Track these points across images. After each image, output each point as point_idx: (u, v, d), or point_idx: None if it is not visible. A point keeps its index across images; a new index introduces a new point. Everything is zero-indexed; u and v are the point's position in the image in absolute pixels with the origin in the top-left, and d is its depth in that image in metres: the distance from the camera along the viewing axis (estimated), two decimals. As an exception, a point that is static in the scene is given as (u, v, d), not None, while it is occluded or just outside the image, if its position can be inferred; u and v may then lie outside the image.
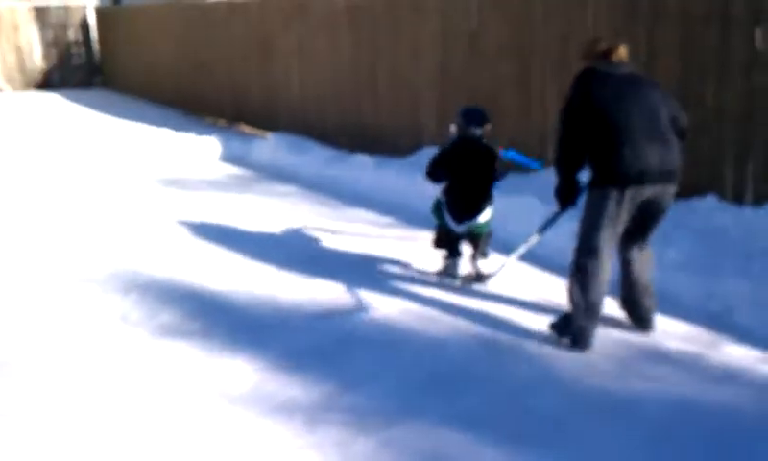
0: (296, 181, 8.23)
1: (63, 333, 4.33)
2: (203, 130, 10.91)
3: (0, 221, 6.70)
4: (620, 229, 3.91)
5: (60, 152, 9.09)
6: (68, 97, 15.32)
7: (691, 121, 4.13)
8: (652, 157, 3.75)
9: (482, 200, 4.99)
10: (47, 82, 17.04)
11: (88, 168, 8.88)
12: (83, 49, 17.54)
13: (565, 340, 4.09)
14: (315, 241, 6.10)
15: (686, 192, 5.20)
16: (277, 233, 6.33)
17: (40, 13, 17.19)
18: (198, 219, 6.72)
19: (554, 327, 4.19)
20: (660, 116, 3.84)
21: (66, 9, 17.69)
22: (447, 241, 5.11)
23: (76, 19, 17.48)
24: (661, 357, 3.95)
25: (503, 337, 4.22)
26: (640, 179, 3.75)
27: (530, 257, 5.06)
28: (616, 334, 4.22)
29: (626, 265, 4.18)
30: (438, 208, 5.13)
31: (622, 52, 3.98)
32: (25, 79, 16.88)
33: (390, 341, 4.20)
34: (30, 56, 16.96)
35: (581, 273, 3.97)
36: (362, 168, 8.09)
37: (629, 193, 3.78)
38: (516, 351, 4.05)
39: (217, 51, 12.03)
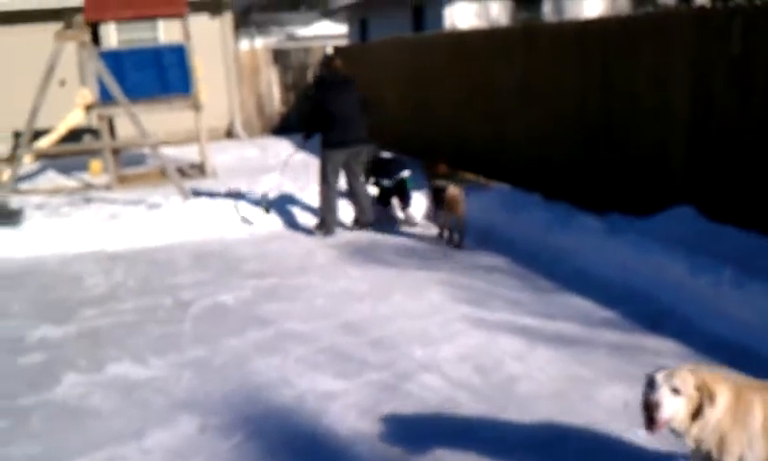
0: (506, 251, 6.74)
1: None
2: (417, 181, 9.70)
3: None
4: (339, 167, 7.67)
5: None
6: (296, 141, 14.97)
7: None
8: (349, 132, 7.61)
9: None
10: (284, 125, 16.93)
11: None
12: (321, 90, 17.21)
13: (321, 231, 7.76)
14: (495, 352, 4.60)
15: None
16: (450, 337, 4.91)
17: (280, 56, 17.16)
18: (354, 313, 5.54)
19: (316, 227, 7.86)
20: (353, 101, 7.68)
21: (306, 50, 17.53)
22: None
23: (315, 60, 17.21)
24: None
25: None
26: (343, 145, 7.62)
27: None
28: None
29: (350, 188, 7.89)
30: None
31: (338, 63, 7.93)
32: (263, 124, 16.93)
33: None
34: (269, 100, 16.98)
35: (323, 193, 7.73)
36: (587, 234, 6.40)
37: (340, 151, 7.61)
38: None
39: (438, 89, 10.86)
